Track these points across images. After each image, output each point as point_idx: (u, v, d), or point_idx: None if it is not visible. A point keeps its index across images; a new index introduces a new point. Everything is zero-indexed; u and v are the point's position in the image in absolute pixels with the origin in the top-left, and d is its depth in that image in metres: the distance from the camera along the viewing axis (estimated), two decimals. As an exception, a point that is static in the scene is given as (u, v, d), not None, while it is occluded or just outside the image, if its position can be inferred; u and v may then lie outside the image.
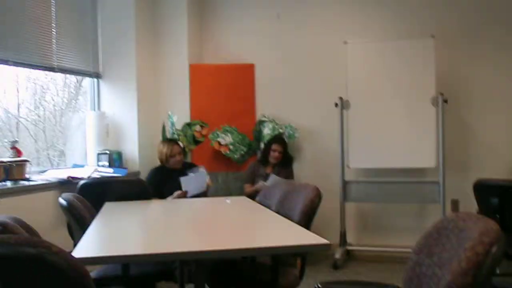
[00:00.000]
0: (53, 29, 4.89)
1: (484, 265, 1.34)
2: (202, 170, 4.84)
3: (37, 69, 4.86)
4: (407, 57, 5.42)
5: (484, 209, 3.92)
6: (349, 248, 5.75)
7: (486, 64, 5.63)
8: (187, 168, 4.90)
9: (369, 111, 5.52)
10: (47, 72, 5.07)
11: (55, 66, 4.94)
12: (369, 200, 5.70)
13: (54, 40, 4.91)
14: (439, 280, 1.56)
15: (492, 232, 1.42)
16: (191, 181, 4.66)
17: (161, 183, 4.74)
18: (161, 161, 4.94)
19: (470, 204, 4.34)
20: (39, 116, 5.13)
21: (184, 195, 4.59)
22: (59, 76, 5.29)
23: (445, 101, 5.24)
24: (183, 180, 4.60)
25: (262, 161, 5.56)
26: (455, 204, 5.61)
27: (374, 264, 5.45)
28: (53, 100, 5.33)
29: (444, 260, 1.58)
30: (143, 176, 5.15)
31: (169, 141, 5.05)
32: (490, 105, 5.63)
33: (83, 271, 1.54)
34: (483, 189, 3.94)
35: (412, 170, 5.57)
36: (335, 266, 5.28)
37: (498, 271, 4.44)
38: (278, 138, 5.60)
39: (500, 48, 5.59)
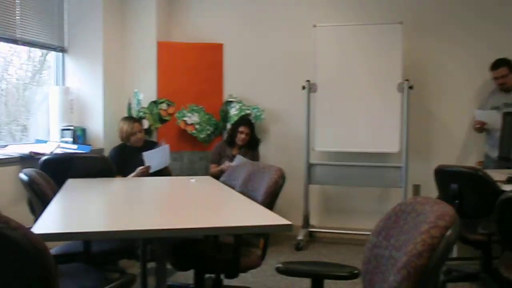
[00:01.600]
0: (17, 0, 4.76)
1: (438, 248, 1.38)
2: (164, 144, 4.82)
3: (-1, 40, 4.73)
4: (374, 42, 5.47)
5: (444, 194, 4.00)
6: (312, 230, 5.82)
7: (452, 53, 5.71)
8: (148, 146, 4.87)
9: (335, 95, 5.56)
10: (10, 45, 4.94)
11: (18, 39, 4.82)
12: (333, 183, 5.76)
13: (18, 12, 4.78)
14: (395, 261, 1.60)
15: (447, 216, 1.45)
16: (154, 156, 4.64)
17: (122, 161, 4.71)
18: (122, 139, 4.91)
19: (431, 189, 4.43)
20: (1, 90, 5.01)
21: (147, 170, 4.58)
22: (23, 49, 5.16)
23: (411, 87, 5.31)
24: (145, 154, 4.57)
25: (228, 142, 5.55)
26: (416, 189, 5.73)
27: (336, 246, 5.54)
28: (16, 73, 5.21)
29: (401, 243, 1.62)
30: (107, 153, 5.10)
31: (130, 119, 5.01)
32: (455, 93, 5.73)
33: (42, 246, 1.52)
34: (443, 175, 4.02)
35: (375, 155, 5.65)
36: (298, 248, 5.34)
37: (455, 255, 4.55)
38: (245, 120, 5.59)
39: (467, 37, 5.67)
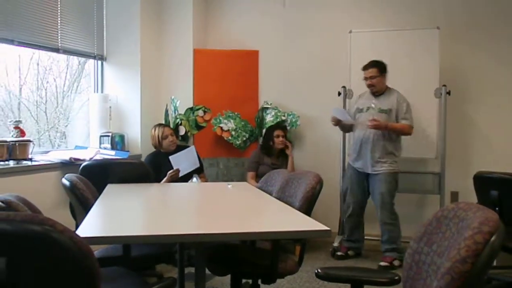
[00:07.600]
0: (58, 10, 4.89)
1: (482, 254, 1.36)
2: (190, 147, 4.86)
3: (42, 49, 4.86)
4: (411, 47, 5.41)
5: (484, 201, 3.94)
6: (348, 236, 5.77)
7: (490, 58, 5.61)
8: (181, 150, 4.90)
9: (371, 101, 5.51)
10: (49, 54, 5.07)
11: (60, 47, 4.94)
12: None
13: (59, 21, 4.91)
14: (438, 267, 1.58)
15: (491, 221, 1.43)
16: (181, 159, 4.67)
17: (156, 168, 4.75)
18: (155, 145, 4.98)
19: (469, 196, 4.37)
20: (41, 98, 5.14)
21: (176, 174, 4.60)
22: (61, 57, 5.28)
23: (448, 93, 5.24)
24: (172, 158, 4.60)
25: (264, 150, 5.58)
26: (454, 196, 5.63)
27: (373, 253, 5.48)
28: (55, 81, 5.34)
29: (443, 249, 1.60)
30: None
31: (160, 125, 5.11)
32: (493, 98, 5.61)
33: (87, 249, 1.55)
34: (483, 182, 3.95)
35: (412, 161, 5.57)
36: (334, 254, 5.30)
37: (495, 264, 4.45)
38: (277, 125, 5.65)
39: (506, 42, 5.56)
